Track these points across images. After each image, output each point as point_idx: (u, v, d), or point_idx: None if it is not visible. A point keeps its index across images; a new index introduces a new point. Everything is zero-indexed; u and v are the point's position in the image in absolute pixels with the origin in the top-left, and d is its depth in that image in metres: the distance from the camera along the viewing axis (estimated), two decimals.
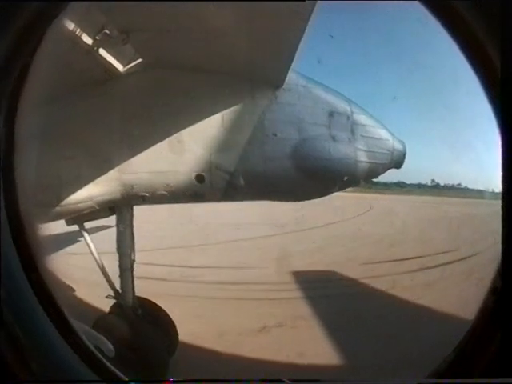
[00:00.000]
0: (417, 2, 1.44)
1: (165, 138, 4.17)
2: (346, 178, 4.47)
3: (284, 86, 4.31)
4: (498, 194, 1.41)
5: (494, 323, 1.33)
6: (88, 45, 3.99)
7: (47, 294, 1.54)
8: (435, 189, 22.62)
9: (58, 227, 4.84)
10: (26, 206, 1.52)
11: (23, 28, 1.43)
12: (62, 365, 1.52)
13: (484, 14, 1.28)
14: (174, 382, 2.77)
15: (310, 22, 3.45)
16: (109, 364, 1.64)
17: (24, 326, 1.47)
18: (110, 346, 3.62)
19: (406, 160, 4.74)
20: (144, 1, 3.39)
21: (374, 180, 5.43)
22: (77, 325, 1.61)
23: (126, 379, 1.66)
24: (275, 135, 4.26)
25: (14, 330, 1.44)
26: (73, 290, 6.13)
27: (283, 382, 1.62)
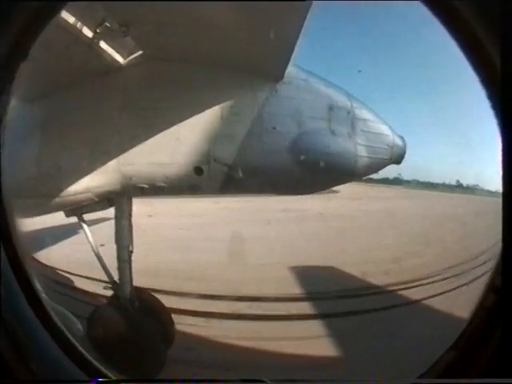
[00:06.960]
0: (417, 2, 1.43)
1: (164, 130, 4.18)
2: (345, 172, 4.47)
3: (284, 80, 4.29)
4: None
5: (493, 322, 1.31)
6: (89, 38, 4.01)
7: (31, 286, 1.53)
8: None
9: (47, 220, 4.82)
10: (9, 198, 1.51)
11: (23, 24, 1.42)
12: (49, 363, 1.52)
13: (484, 13, 1.28)
14: (164, 381, 2.71)
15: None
16: (96, 363, 1.62)
17: (12, 321, 1.46)
18: (79, 325, 3.52)
19: None
20: (143, 0, 3.42)
21: None
22: (49, 304, 1.59)
23: (111, 376, 1.63)
24: (274, 128, 4.24)
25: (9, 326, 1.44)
26: (72, 282, 6.14)
27: (264, 382, 1.60)
